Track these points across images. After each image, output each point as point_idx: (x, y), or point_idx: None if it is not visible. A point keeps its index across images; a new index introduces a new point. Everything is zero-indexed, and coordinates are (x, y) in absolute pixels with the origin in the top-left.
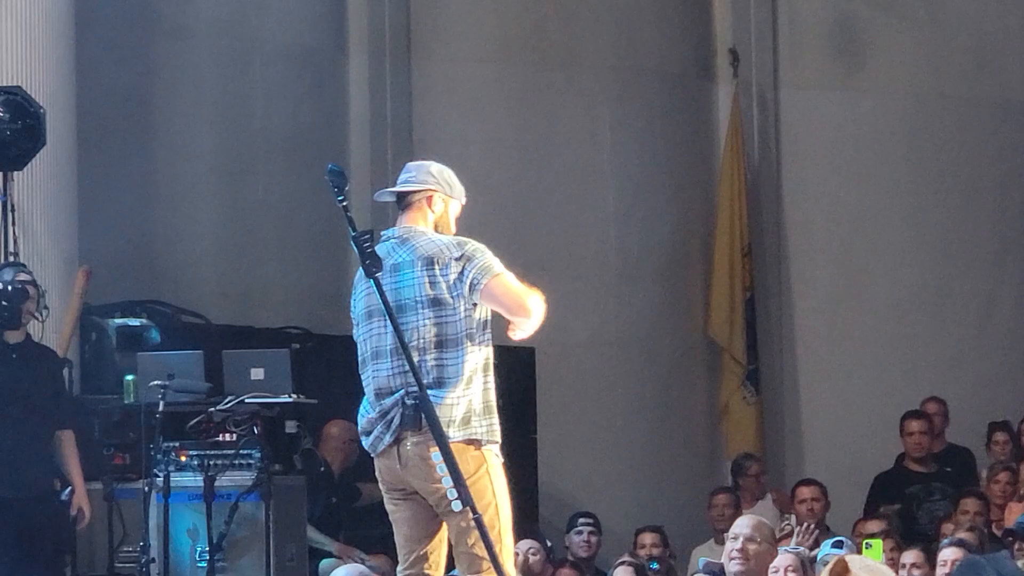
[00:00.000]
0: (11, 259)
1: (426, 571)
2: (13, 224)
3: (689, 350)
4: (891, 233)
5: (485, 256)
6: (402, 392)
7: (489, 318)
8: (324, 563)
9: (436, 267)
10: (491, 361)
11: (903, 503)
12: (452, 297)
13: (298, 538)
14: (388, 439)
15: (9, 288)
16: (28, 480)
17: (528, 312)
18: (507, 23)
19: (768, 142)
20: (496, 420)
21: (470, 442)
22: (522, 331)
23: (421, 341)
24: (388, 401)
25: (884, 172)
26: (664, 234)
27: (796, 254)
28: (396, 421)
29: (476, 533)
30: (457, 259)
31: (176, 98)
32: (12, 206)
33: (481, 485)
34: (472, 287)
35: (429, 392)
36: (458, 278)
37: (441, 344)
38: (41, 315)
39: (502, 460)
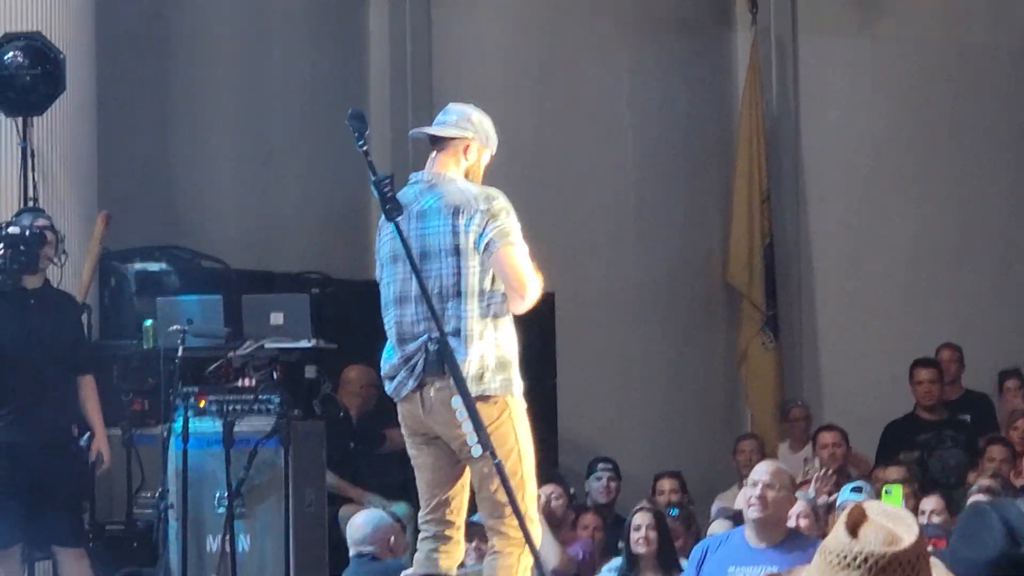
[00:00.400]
0: (31, 204)
1: (447, 517)
2: (32, 170)
3: (708, 296)
4: (909, 180)
5: (508, 220)
6: (425, 337)
7: None
8: (344, 509)
9: (462, 217)
10: (506, 315)
11: (915, 451)
12: (473, 248)
13: (318, 483)
14: (411, 384)
15: (26, 233)
16: (46, 426)
17: (524, 292)
18: None
19: (786, 89)
20: (512, 374)
21: (485, 398)
22: (514, 307)
23: (443, 290)
24: (411, 346)
25: (902, 119)
26: (683, 180)
27: (814, 201)
28: (419, 367)
29: (498, 479)
30: (483, 212)
31: (195, 45)
32: (31, 151)
33: (503, 431)
34: (486, 247)
35: (450, 340)
36: (479, 232)
37: (460, 294)
38: (60, 260)
39: (525, 406)
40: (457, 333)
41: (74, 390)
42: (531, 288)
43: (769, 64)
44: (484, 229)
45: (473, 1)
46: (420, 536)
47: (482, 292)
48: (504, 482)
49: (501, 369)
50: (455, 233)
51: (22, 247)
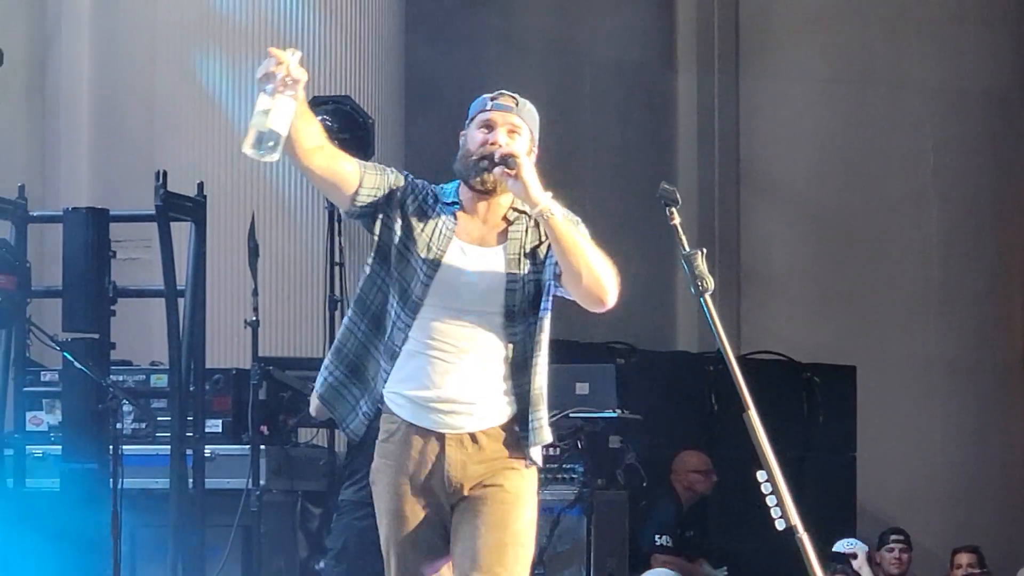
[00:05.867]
0: (336, 269)
1: None
2: (339, 235)
3: (1008, 372)
4: None
5: None
6: None
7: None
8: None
9: None
10: None
11: None
12: None
13: (619, 553)
14: None
15: None
16: None
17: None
18: (834, 41)
19: None
20: None
21: None
22: None
23: None
24: None
25: None
26: (987, 256)
27: None
28: None
29: None
30: None
31: None
32: (339, 216)
33: None
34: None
35: None
36: None
37: None
38: None
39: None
40: None
41: None
42: None
43: None
44: None
45: (781, 71)
46: None
47: None
48: None
49: None
50: None
51: None
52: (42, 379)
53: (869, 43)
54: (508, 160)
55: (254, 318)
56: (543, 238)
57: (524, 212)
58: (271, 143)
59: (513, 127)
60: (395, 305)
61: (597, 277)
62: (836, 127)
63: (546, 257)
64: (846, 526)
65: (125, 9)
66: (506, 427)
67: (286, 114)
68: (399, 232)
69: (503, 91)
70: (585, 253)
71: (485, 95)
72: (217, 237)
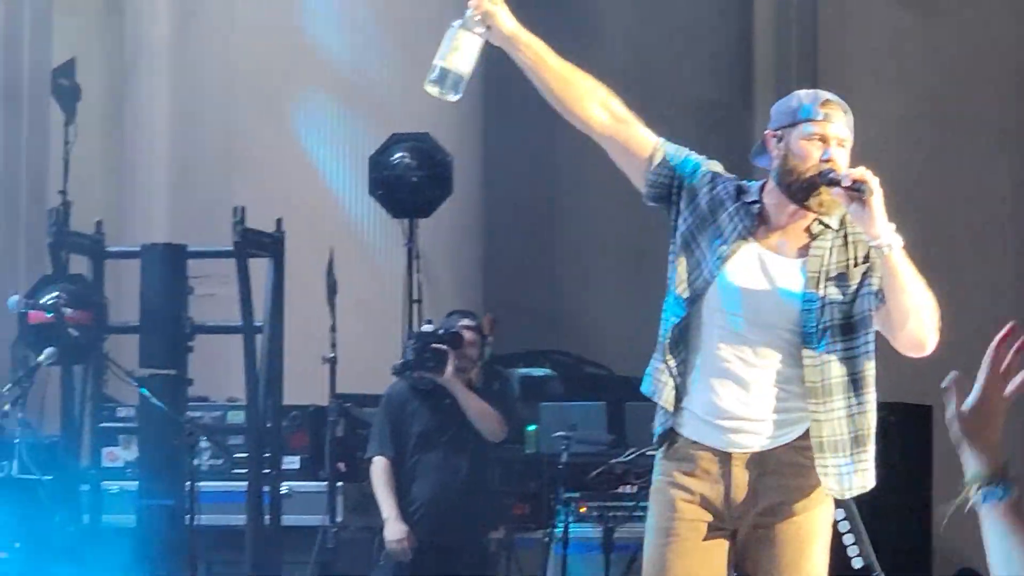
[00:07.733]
0: (414, 307)
1: None
2: (418, 271)
3: None
4: None
5: None
6: None
7: None
8: None
9: None
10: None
11: None
12: None
13: None
14: None
15: (440, 331)
16: (457, 526)
17: None
18: (911, 80)
19: None
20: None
21: None
22: None
23: None
24: None
25: None
26: None
27: None
28: None
29: None
30: None
31: (581, 148)
32: (417, 253)
33: None
34: None
35: None
36: None
37: None
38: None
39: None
40: None
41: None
42: None
43: None
44: None
45: (856, 109)
46: None
47: None
48: None
49: None
50: None
51: (432, 345)
52: (118, 415)
53: (946, 82)
54: (861, 187)
55: (332, 354)
56: (852, 261)
57: (829, 226)
58: (453, 83)
59: (842, 140)
60: (676, 298)
61: (922, 323)
62: (911, 166)
63: (861, 285)
64: (921, 566)
65: (203, 44)
66: (798, 448)
67: (469, 53)
68: (688, 217)
69: (828, 97)
70: (919, 296)
71: (807, 100)
72: (295, 273)
